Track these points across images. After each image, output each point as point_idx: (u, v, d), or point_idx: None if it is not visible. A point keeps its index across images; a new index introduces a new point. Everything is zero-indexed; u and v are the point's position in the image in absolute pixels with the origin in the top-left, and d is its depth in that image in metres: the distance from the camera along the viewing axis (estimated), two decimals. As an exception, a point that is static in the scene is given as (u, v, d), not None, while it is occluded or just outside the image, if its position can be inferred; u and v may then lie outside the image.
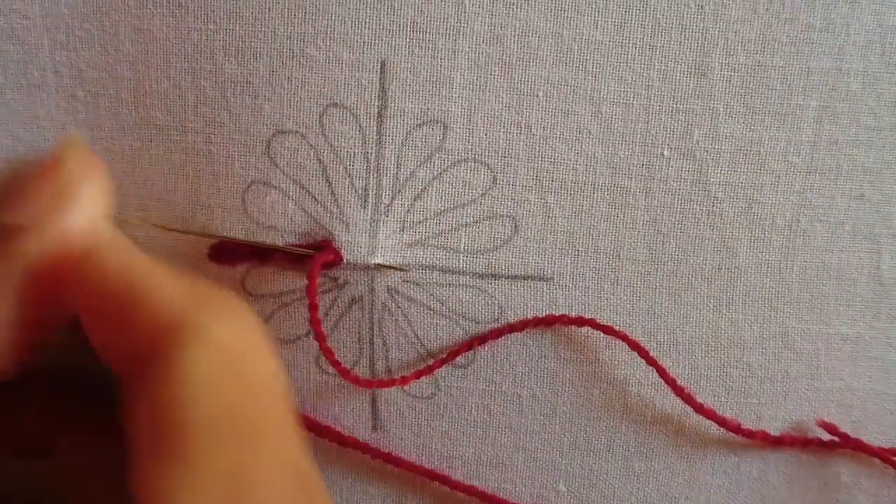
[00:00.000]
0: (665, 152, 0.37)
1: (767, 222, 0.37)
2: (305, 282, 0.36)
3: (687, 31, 0.36)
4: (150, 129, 0.36)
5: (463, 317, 0.38)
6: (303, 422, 0.36)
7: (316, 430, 0.38)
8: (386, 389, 0.38)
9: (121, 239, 0.31)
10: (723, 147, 0.37)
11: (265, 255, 0.36)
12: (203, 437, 0.25)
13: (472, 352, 0.38)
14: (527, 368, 0.38)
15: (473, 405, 0.39)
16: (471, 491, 0.39)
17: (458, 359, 0.38)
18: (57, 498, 0.34)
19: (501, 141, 0.36)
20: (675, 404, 0.39)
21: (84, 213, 0.31)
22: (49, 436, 0.36)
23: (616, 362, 0.38)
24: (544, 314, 0.38)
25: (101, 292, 0.28)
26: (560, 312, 0.38)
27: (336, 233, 0.36)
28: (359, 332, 0.38)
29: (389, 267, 0.37)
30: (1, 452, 0.36)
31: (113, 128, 0.36)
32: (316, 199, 0.36)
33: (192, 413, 0.25)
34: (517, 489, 0.40)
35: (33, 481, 0.35)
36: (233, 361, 0.27)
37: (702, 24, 0.36)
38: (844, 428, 0.39)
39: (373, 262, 0.37)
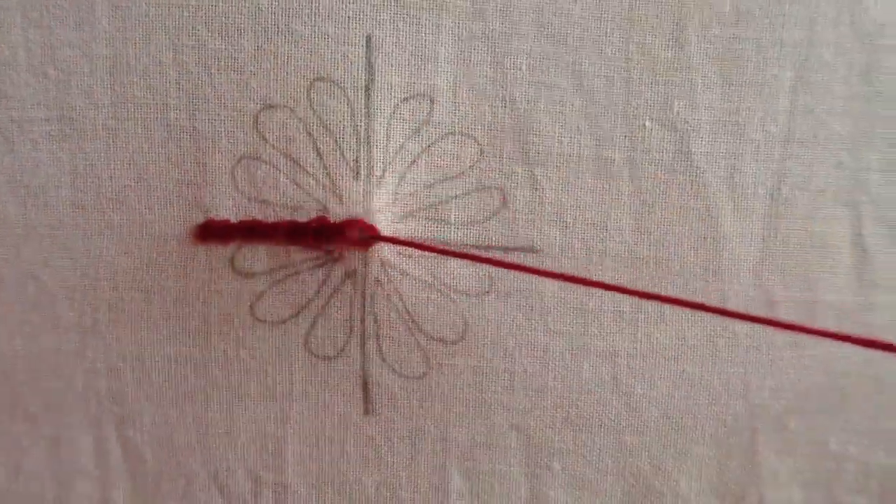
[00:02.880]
0: (647, 123, 0.37)
1: (749, 191, 0.38)
2: (296, 257, 0.36)
3: (664, 4, 0.37)
4: (129, 106, 0.36)
5: (454, 290, 0.37)
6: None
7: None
8: (376, 372, 0.38)
9: None
10: (702, 118, 0.37)
11: (257, 231, 0.36)
12: None
13: (463, 326, 0.38)
14: (517, 342, 0.38)
15: (464, 384, 0.38)
16: None
17: (449, 334, 0.38)
18: None
19: (487, 114, 0.37)
20: (664, 375, 0.39)
21: None
22: None
23: (604, 333, 0.38)
24: (534, 285, 0.38)
25: None
26: (550, 284, 0.38)
27: (329, 205, 0.36)
28: (350, 310, 0.37)
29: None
30: None
31: (86, 106, 0.35)
32: (308, 173, 0.36)
33: None
34: (511, 469, 0.39)
35: None
36: None
37: (678, -2, 0.37)
38: (831, 395, 0.40)
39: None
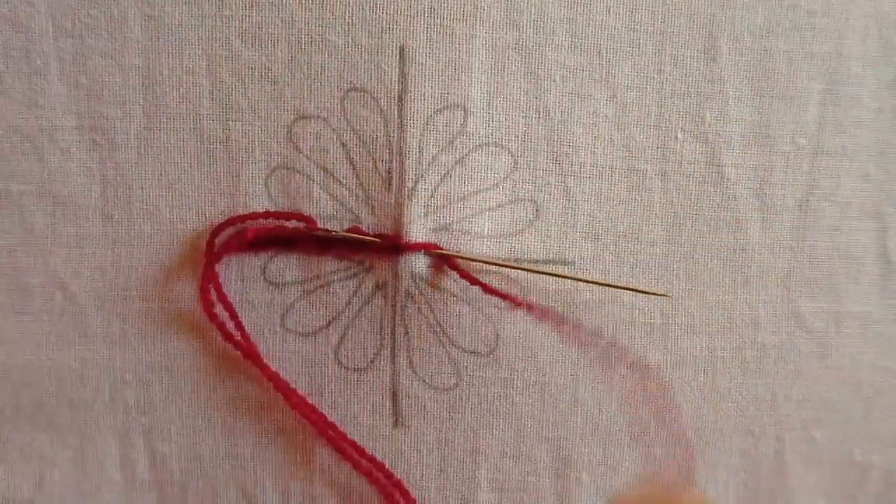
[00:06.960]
0: (679, 135, 0.37)
1: (778, 203, 0.38)
2: (327, 268, 0.36)
3: (696, 16, 0.37)
4: (161, 117, 0.35)
5: (486, 303, 0.37)
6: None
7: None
8: (406, 384, 0.38)
9: None
10: (733, 129, 0.37)
11: (292, 241, 0.36)
12: None
13: (495, 338, 0.37)
14: (549, 356, 0.38)
15: (495, 395, 0.38)
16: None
17: (481, 346, 0.38)
18: None
19: (521, 125, 0.36)
20: (693, 387, 0.39)
21: None
22: None
23: (635, 347, 0.38)
24: (565, 299, 0.38)
25: None
26: (581, 295, 0.38)
27: (362, 216, 0.36)
28: (381, 322, 0.37)
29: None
30: None
31: (118, 116, 0.35)
32: (341, 183, 0.36)
33: None
34: (540, 480, 0.39)
35: None
36: None
37: (710, 10, 0.37)
38: (856, 405, 0.40)
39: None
